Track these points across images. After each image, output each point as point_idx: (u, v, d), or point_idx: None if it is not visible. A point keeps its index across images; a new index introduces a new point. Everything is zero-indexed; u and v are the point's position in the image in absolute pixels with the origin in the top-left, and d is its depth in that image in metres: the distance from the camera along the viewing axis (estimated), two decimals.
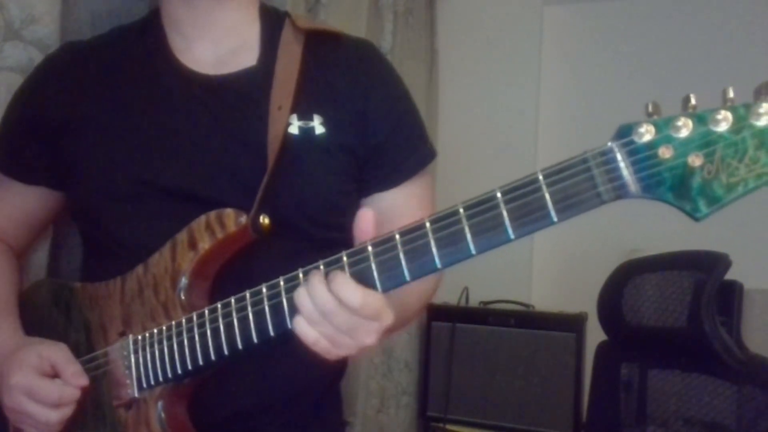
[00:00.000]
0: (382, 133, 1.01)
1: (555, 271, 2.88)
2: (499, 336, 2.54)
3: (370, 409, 2.53)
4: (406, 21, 2.67)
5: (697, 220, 0.65)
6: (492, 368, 2.52)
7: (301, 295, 0.76)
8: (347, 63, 1.03)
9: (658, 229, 2.56)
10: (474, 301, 2.71)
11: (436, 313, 2.62)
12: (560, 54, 2.97)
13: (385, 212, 1.00)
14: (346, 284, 0.75)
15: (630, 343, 1.79)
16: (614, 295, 1.78)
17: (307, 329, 0.76)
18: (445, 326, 2.60)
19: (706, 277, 1.59)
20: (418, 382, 2.69)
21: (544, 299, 2.75)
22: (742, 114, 0.63)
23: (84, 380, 0.91)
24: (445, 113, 2.85)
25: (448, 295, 2.65)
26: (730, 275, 1.61)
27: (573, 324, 2.44)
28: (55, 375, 0.91)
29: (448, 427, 2.55)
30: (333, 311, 0.74)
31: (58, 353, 0.93)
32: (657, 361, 1.72)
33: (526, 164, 2.77)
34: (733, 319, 1.82)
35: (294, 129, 0.95)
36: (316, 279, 0.76)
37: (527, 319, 2.53)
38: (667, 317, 1.67)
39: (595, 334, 1.97)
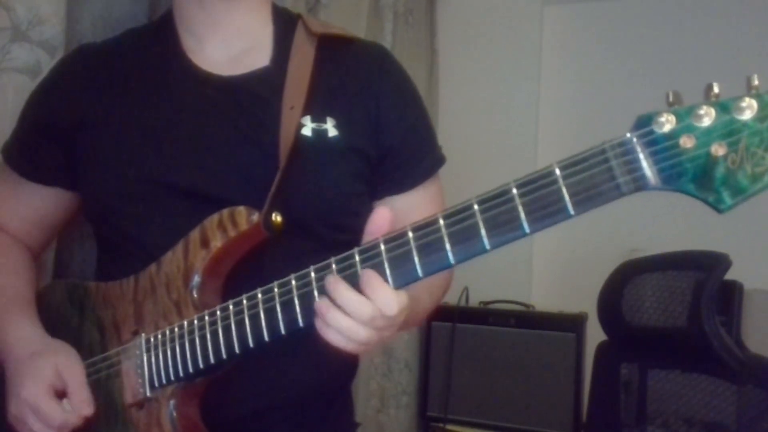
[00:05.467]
0: (394, 137, 1.01)
1: (555, 271, 2.88)
2: (499, 336, 2.53)
3: (370, 409, 2.53)
4: (406, 21, 2.67)
5: (720, 211, 0.62)
6: (492, 368, 2.52)
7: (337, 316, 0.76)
8: (360, 67, 1.03)
9: (658, 229, 2.58)
10: (474, 301, 2.71)
11: (436, 313, 2.55)
12: (560, 54, 2.97)
13: (397, 215, 1.00)
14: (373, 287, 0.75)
15: (630, 343, 1.80)
16: (614, 295, 1.78)
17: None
18: (445, 326, 2.60)
19: (706, 277, 1.60)
20: (418, 382, 2.69)
21: (544, 299, 2.74)
22: None
23: (89, 410, 0.91)
24: (445, 113, 2.84)
25: (448, 295, 2.62)
26: (730, 275, 1.62)
27: (573, 324, 2.43)
28: (64, 392, 0.91)
29: (448, 427, 2.55)
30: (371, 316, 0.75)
31: (73, 375, 0.92)
32: (657, 361, 1.72)
33: (526, 164, 2.76)
34: (733, 319, 1.81)
35: (307, 131, 0.95)
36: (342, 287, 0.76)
37: (527, 319, 2.53)
38: (667, 317, 1.67)
39: (595, 334, 1.98)
